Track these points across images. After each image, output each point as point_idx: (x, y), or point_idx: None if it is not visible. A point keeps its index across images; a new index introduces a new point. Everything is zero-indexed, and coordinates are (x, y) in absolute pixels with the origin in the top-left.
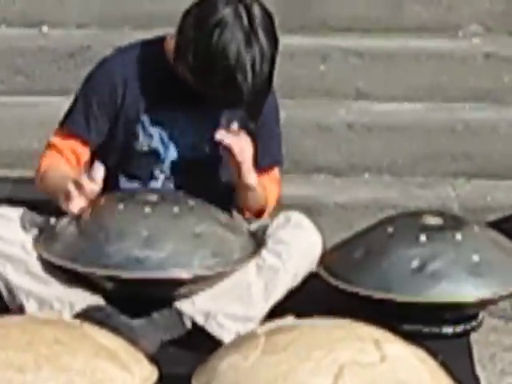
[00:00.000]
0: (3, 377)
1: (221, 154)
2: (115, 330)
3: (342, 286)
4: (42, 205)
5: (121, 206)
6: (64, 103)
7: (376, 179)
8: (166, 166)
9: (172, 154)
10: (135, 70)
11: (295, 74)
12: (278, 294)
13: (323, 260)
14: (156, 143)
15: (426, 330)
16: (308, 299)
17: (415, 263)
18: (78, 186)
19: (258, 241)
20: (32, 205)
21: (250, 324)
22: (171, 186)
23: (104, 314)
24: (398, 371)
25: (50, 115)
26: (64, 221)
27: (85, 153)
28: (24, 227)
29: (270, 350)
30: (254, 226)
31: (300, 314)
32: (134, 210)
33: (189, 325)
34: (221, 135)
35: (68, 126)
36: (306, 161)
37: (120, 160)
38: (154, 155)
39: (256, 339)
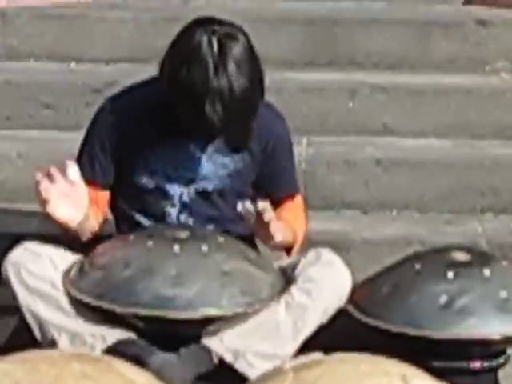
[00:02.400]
0: None
1: (231, 185)
2: (146, 363)
3: (370, 322)
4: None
5: (150, 244)
6: None
7: (403, 215)
8: (176, 200)
9: (179, 189)
10: (136, 110)
11: (323, 110)
12: (307, 331)
13: (351, 296)
14: (161, 180)
15: (454, 365)
16: (336, 335)
17: (443, 299)
18: (49, 176)
19: (287, 278)
20: (61, 241)
21: (279, 362)
22: (187, 219)
23: (136, 348)
24: None
25: (77, 150)
26: (93, 257)
27: (99, 195)
28: (53, 263)
29: None
30: (284, 262)
31: (328, 349)
32: (163, 248)
33: (216, 361)
34: (251, 210)
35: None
36: (334, 197)
37: (131, 198)
38: (161, 191)
39: (283, 375)
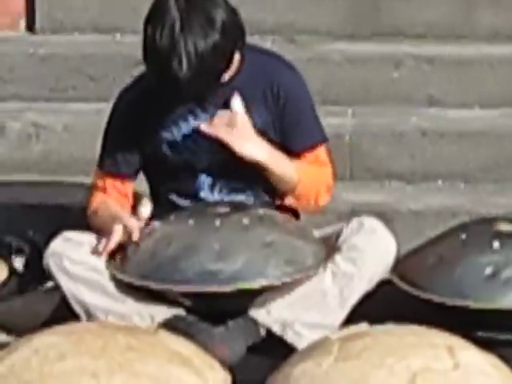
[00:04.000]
0: (78, 382)
1: None
2: (196, 337)
3: (415, 292)
4: None
5: (191, 221)
6: None
7: (449, 186)
8: (205, 171)
9: (204, 161)
10: (148, 95)
11: (368, 81)
12: (354, 300)
13: (396, 267)
14: (186, 155)
15: (500, 336)
16: (381, 306)
17: (489, 270)
18: (127, 233)
19: (331, 247)
20: None
21: (327, 331)
22: (221, 190)
23: (185, 323)
24: (471, 378)
25: None
26: (134, 239)
27: (127, 186)
28: (95, 250)
29: (344, 357)
30: (326, 231)
31: (373, 320)
32: (204, 224)
33: (264, 333)
34: (203, 127)
35: (100, 165)
36: (379, 168)
37: (163, 180)
38: (189, 167)
39: (329, 346)
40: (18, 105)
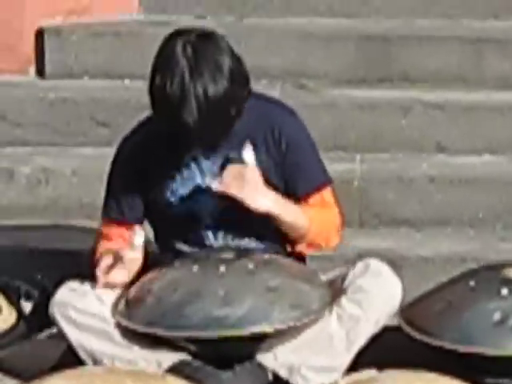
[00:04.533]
0: None
1: None
2: (204, 383)
3: (423, 339)
4: None
5: (195, 267)
6: None
7: (457, 232)
8: (209, 219)
9: (208, 208)
10: (152, 141)
11: (377, 127)
12: (360, 342)
13: (405, 312)
14: (189, 203)
15: (508, 382)
16: (389, 352)
17: (497, 316)
18: (119, 257)
19: (336, 290)
20: None
21: (334, 374)
22: (225, 236)
23: (191, 368)
24: None
25: None
26: (140, 286)
27: (133, 233)
28: (99, 298)
29: None
30: (331, 275)
31: (381, 366)
32: (209, 270)
33: (271, 377)
34: (215, 187)
35: (105, 214)
36: (388, 214)
37: (168, 228)
38: (193, 215)
39: None
40: (27, 149)
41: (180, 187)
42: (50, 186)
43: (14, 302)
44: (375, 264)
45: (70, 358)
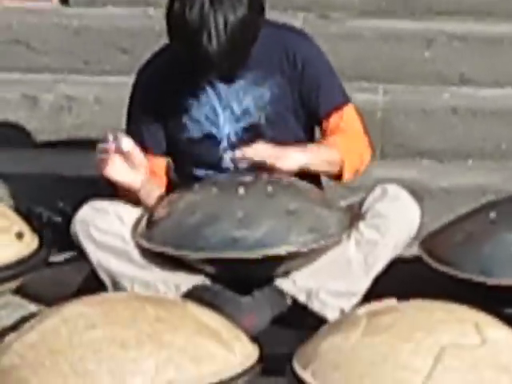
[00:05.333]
0: (107, 352)
1: (274, 112)
2: (222, 308)
3: (443, 269)
4: None
5: (214, 189)
6: None
7: (479, 164)
8: (226, 143)
9: (225, 131)
10: (168, 69)
11: (400, 59)
12: (379, 267)
13: (425, 243)
14: (206, 126)
15: None
16: (410, 282)
17: None
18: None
19: (355, 214)
20: None
21: (353, 299)
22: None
23: (210, 293)
24: (498, 354)
25: None
26: (160, 208)
27: (155, 163)
28: (120, 218)
29: (371, 331)
30: (350, 199)
31: (401, 296)
32: (228, 192)
33: (290, 302)
34: (239, 155)
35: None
36: (410, 145)
37: (186, 154)
38: (210, 138)
39: (357, 320)
40: (50, 77)
41: (197, 111)
42: (73, 113)
43: (36, 228)
44: (393, 189)
45: (92, 284)
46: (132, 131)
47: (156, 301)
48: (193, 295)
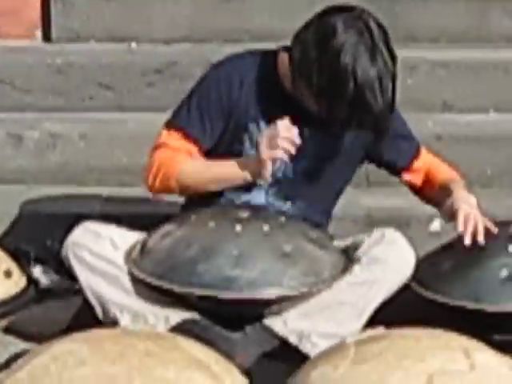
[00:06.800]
0: None
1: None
2: (211, 342)
3: (431, 296)
4: (133, 220)
5: (212, 224)
6: (153, 119)
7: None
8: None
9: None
10: (249, 77)
11: None
12: (371, 310)
13: (413, 271)
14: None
15: None
16: (398, 310)
17: (504, 273)
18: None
19: (350, 258)
20: (122, 221)
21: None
22: (274, 197)
23: (199, 327)
24: (487, 380)
25: (139, 131)
26: (155, 237)
27: (197, 157)
28: (113, 243)
29: (360, 360)
30: (346, 242)
31: (390, 324)
32: (225, 228)
33: (279, 342)
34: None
35: (184, 128)
36: None
37: None
38: None
39: (346, 349)
40: (34, 114)
41: (257, 134)
42: (57, 150)
43: (24, 267)
44: (390, 233)
45: (82, 321)
46: (192, 118)
47: (145, 335)
48: (182, 329)
